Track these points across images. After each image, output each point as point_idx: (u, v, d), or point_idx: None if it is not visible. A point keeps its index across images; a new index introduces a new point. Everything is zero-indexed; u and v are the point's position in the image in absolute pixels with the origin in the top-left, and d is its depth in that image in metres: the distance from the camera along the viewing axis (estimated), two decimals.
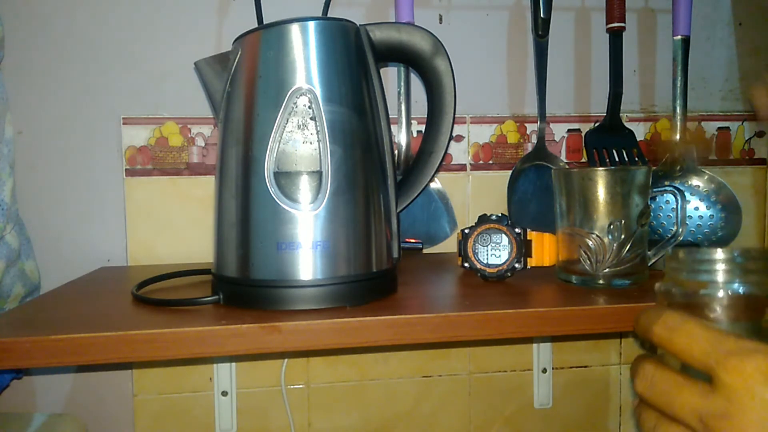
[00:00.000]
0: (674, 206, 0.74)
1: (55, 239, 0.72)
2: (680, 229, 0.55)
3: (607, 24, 0.76)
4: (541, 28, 0.75)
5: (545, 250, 0.57)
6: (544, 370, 0.82)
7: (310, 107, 0.47)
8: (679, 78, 0.76)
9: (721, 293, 0.32)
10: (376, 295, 0.50)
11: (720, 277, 0.33)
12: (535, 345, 0.82)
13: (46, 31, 0.71)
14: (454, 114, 0.54)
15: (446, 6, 0.79)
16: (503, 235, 0.56)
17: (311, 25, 0.48)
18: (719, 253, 0.33)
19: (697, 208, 0.76)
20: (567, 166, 0.80)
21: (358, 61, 0.50)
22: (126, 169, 0.73)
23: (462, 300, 0.51)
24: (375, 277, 0.50)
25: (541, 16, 0.74)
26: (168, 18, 0.73)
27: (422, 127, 0.57)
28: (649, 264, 0.56)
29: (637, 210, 0.53)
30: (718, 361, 0.28)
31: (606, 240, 0.52)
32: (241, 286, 0.48)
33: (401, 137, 0.74)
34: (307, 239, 0.46)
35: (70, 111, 0.72)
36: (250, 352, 0.43)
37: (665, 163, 0.78)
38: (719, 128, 0.85)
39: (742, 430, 0.26)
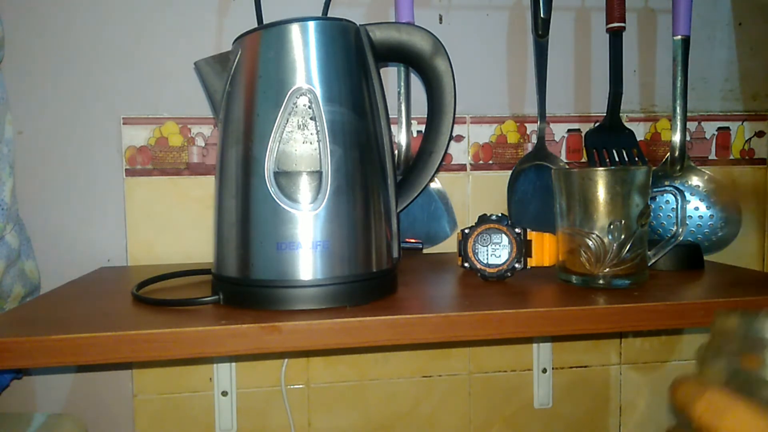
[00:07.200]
0: (674, 206, 0.74)
1: (55, 239, 0.72)
2: (680, 229, 0.55)
3: (607, 24, 0.76)
4: (541, 28, 0.75)
5: (545, 250, 0.57)
6: (544, 370, 0.82)
7: (310, 107, 0.47)
8: (679, 78, 0.75)
9: None
10: (376, 295, 0.50)
11: None
12: (535, 345, 0.82)
13: (46, 31, 0.71)
14: (454, 114, 0.54)
15: (446, 6, 0.79)
16: (503, 235, 0.56)
17: (311, 25, 0.48)
18: None
19: (697, 208, 0.76)
20: (567, 166, 0.80)
21: (358, 61, 0.50)
22: (126, 169, 0.73)
23: (462, 300, 0.51)
24: (375, 277, 0.49)
25: (541, 16, 0.74)
26: (168, 18, 0.73)
27: (422, 127, 0.57)
28: (649, 264, 0.56)
29: (637, 210, 0.53)
30: None
31: (606, 240, 0.52)
32: (241, 286, 0.48)
33: (401, 137, 0.74)
34: (307, 239, 0.46)
35: (70, 111, 0.72)
36: (250, 352, 0.43)
37: (665, 163, 0.78)
38: (719, 128, 0.85)
39: None
